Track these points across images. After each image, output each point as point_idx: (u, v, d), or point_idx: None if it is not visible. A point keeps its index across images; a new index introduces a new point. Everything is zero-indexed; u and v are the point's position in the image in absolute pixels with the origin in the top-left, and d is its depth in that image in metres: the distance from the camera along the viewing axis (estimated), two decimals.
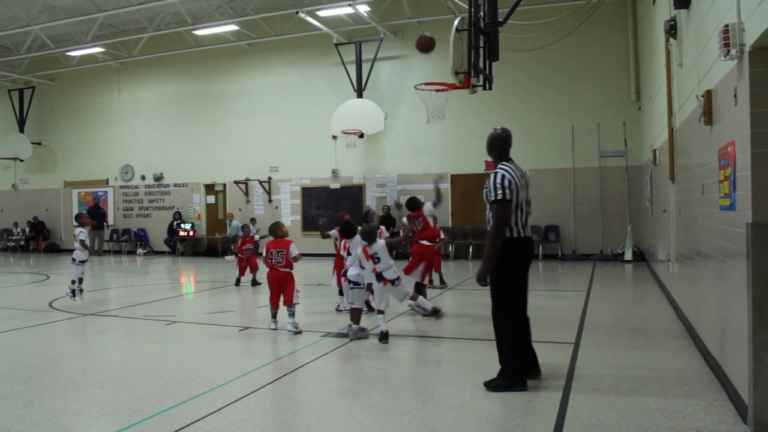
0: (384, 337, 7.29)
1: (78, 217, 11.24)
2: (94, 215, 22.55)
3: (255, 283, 12.79)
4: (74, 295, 10.71)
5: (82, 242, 10.71)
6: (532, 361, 5.50)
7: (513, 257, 5.25)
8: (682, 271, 8.37)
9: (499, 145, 5.49)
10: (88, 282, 13.71)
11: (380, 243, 7.49)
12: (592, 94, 17.52)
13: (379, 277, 7.43)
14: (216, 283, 13.58)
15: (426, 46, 8.96)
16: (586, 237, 17.65)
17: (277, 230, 8.37)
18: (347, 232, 8.01)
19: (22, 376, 5.95)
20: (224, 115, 21.91)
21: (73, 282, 10.73)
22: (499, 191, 5.15)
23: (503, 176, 5.19)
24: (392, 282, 7.47)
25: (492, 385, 5.31)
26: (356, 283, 7.56)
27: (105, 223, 23.30)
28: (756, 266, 4.12)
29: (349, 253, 7.74)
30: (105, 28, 21.19)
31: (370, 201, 20.06)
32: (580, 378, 5.58)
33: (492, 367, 6.30)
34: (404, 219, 10.06)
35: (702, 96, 5.74)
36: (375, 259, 7.40)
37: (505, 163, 5.37)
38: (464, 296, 11.33)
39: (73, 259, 10.81)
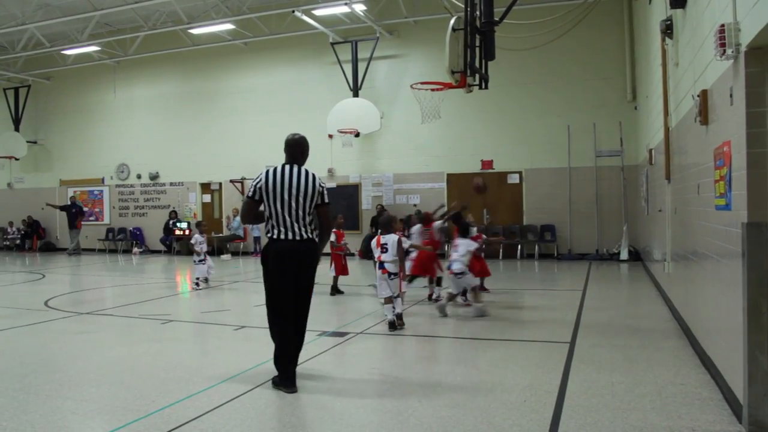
0: (398, 319, 8.00)
1: (198, 225, 13.48)
2: (68, 213, 22.44)
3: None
4: (198, 286, 12.52)
5: (191, 245, 12.84)
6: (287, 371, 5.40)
7: (269, 257, 5.45)
8: (677, 271, 8.39)
9: (287, 150, 5.68)
10: (85, 281, 13.70)
11: (393, 237, 8.08)
12: (587, 94, 17.54)
13: (380, 265, 7.98)
14: (212, 282, 13.55)
15: (478, 188, 10.15)
16: (582, 236, 17.67)
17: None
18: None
19: (18, 375, 5.93)
20: (220, 114, 21.86)
21: (197, 278, 12.62)
22: (249, 188, 5.52)
23: (258, 176, 5.49)
24: (390, 273, 7.94)
25: (273, 382, 5.47)
26: (462, 273, 8.71)
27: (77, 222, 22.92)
28: (751, 266, 4.13)
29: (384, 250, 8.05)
30: (100, 27, 21.11)
31: (367, 200, 20.05)
32: (576, 377, 5.59)
33: (487, 365, 6.31)
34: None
35: (698, 96, 5.76)
36: (384, 248, 8.00)
37: (281, 165, 5.56)
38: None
39: (194, 261, 12.73)
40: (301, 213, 5.42)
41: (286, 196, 5.40)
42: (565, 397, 5.00)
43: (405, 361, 6.64)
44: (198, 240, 12.61)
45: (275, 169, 5.48)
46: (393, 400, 5.06)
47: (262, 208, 5.52)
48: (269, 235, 5.46)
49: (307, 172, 5.57)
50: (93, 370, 6.21)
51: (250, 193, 5.48)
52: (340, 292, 11.23)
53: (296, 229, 5.41)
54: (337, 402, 5.03)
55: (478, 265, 9.79)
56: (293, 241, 5.40)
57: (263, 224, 5.56)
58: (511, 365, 6.29)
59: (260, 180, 5.45)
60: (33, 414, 4.78)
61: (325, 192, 5.61)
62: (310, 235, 5.51)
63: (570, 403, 4.86)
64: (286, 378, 5.35)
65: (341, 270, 11.29)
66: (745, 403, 4.20)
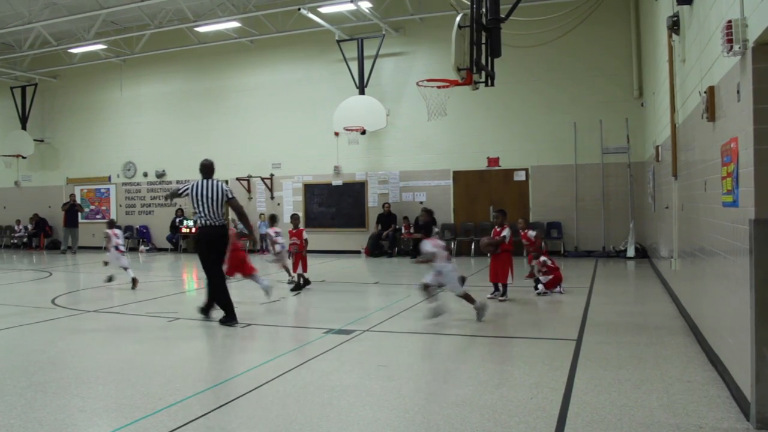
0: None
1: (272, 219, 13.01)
2: (68, 212, 22.49)
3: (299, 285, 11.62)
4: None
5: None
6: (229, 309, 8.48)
7: (199, 237, 8.68)
8: (684, 268, 8.36)
9: (202, 170, 8.70)
10: (92, 279, 13.75)
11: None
12: (594, 91, 17.47)
13: None
14: None
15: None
16: (588, 233, 17.62)
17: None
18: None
19: (25, 373, 5.96)
20: (226, 112, 21.90)
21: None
22: (178, 189, 8.74)
23: (186, 185, 8.60)
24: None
25: (223, 323, 8.29)
26: None
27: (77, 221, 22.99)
28: (759, 263, 4.12)
29: None
30: (107, 25, 21.18)
31: (373, 198, 20.06)
32: (582, 374, 5.57)
33: (494, 362, 6.31)
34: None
35: (705, 92, 5.73)
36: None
37: (200, 180, 8.55)
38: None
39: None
40: (213, 210, 8.40)
41: (204, 200, 8.38)
42: (572, 395, 4.99)
43: (411, 358, 6.63)
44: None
45: (197, 183, 8.48)
46: (399, 398, 5.06)
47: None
48: (197, 224, 8.59)
49: (215, 182, 8.57)
50: (100, 367, 6.24)
51: (180, 192, 8.60)
52: (301, 288, 11.41)
53: (212, 220, 8.42)
54: (343, 399, 5.03)
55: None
56: (210, 227, 8.45)
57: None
58: (518, 362, 6.29)
59: (188, 188, 8.51)
60: (40, 411, 4.80)
61: (229, 192, 8.63)
62: (221, 223, 8.53)
63: (577, 400, 4.86)
64: (231, 316, 8.34)
65: (295, 266, 11.45)
66: (753, 401, 4.19)
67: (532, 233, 11.00)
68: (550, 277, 10.52)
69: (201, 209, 8.39)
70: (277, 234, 11.93)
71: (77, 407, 4.97)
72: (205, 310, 8.68)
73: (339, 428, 4.41)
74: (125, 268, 12.34)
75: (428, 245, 8.21)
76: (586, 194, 17.65)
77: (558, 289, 10.52)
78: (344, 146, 19.55)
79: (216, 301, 8.53)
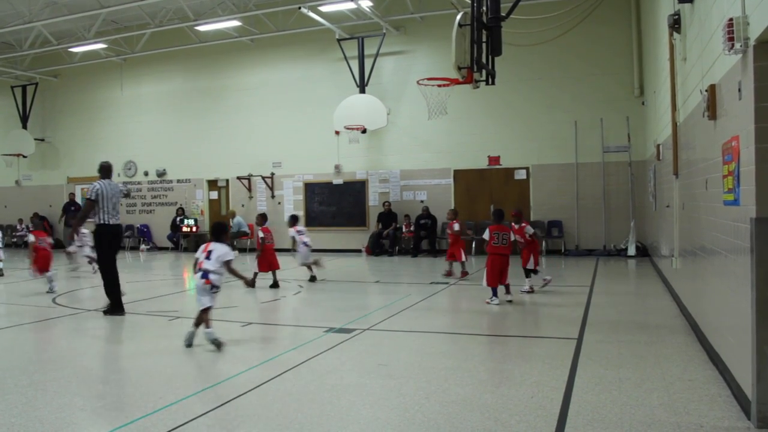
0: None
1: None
2: (67, 211, 22.47)
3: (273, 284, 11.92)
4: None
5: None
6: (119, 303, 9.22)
7: (104, 232, 9.16)
8: (685, 267, 8.35)
9: (102, 171, 9.50)
10: (92, 278, 13.74)
11: (223, 248, 7.20)
12: (595, 89, 17.46)
13: (204, 274, 7.12)
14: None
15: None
16: (589, 232, 17.61)
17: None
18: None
19: (26, 372, 5.96)
20: (227, 111, 21.89)
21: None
22: (89, 194, 9.17)
23: (94, 188, 9.12)
24: (213, 285, 7.16)
25: (107, 314, 9.00)
26: None
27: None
28: (760, 261, 4.11)
29: None
30: (107, 24, 21.16)
31: (374, 197, 20.05)
32: (583, 373, 5.57)
33: (494, 361, 6.30)
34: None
35: (706, 90, 5.73)
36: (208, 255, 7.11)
37: (103, 180, 9.26)
38: (466, 292, 11.33)
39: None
40: (116, 208, 9.28)
41: (111, 199, 9.16)
42: (573, 393, 4.99)
43: (411, 357, 6.62)
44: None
45: (104, 183, 9.18)
46: (400, 397, 5.05)
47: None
48: (101, 221, 9.08)
49: (114, 183, 9.48)
50: (101, 366, 6.24)
51: (93, 197, 9.04)
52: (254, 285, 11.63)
53: (116, 218, 9.27)
54: (343, 398, 5.03)
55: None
56: (115, 225, 9.30)
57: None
58: (518, 361, 6.28)
59: (99, 189, 9.06)
60: (41, 410, 4.80)
61: (122, 192, 9.70)
62: (119, 221, 9.45)
63: (577, 399, 4.85)
64: (119, 307, 9.07)
65: (268, 266, 11.81)
66: (754, 399, 4.18)
67: (456, 227, 11.82)
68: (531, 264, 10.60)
69: (108, 207, 9.14)
70: (300, 233, 12.50)
71: (78, 406, 4.97)
72: (116, 308, 9.08)
73: (339, 427, 4.40)
74: None
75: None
76: (586, 193, 17.64)
77: (545, 278, 10.67)
78: (345, 145, 19.55)
79: (110, 293, 9.12)
